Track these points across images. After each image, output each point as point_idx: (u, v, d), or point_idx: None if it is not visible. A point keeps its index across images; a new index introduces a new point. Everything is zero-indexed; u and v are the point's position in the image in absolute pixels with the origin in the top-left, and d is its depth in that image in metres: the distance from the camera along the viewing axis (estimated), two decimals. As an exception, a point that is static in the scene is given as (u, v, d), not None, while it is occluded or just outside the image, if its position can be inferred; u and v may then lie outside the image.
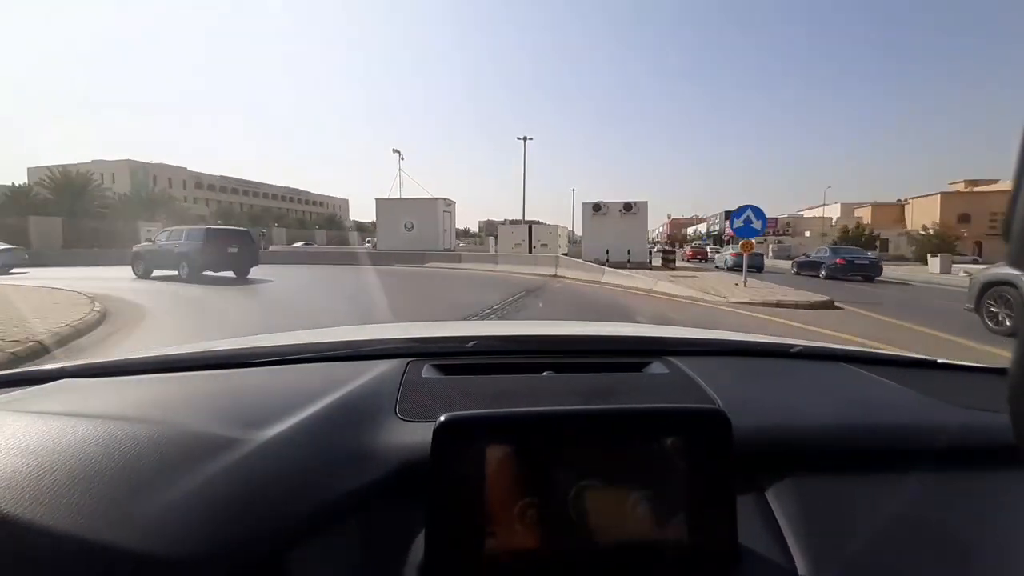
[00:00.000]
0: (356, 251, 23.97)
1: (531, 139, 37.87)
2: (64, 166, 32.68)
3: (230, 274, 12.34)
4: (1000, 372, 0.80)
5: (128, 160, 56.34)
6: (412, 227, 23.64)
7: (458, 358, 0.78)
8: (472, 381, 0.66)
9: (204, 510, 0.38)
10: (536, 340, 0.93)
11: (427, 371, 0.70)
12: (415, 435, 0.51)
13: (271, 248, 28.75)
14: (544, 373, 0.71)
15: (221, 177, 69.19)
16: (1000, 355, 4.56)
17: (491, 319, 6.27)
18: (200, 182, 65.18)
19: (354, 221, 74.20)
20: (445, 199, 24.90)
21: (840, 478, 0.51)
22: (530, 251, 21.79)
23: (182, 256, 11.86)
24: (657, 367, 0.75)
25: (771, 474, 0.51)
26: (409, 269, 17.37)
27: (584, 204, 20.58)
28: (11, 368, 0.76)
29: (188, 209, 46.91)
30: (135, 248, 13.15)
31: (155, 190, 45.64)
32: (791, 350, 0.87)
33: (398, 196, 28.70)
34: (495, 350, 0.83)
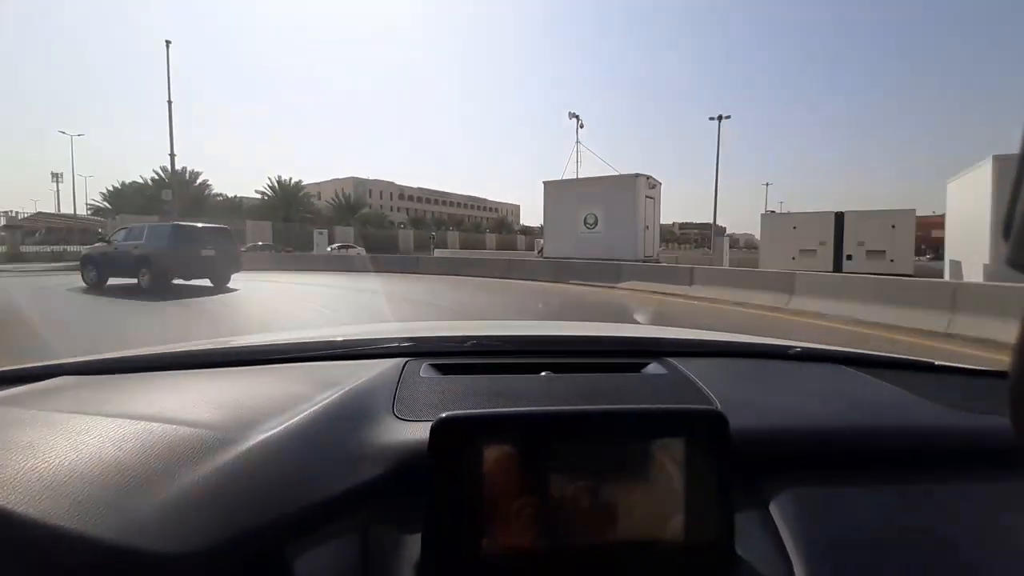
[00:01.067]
0: (510, 258, 16.69)
1: (728, 118, 25.11)
2: (291, 180, 36.97)
3: (206, 283, 9.75)
4: (999, 375, 0.78)
5: (353, 177, 66.33)
6: (595, 223, 15.03)
7: (456, 358, 0.77)
8: (470, 381, 0.65)
9: (202, 507, 0.38)
10: (534, 340, 0.91)
11: (425, 370, 0.69)
12: (412, 434, 0.50)
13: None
14: (543, 373, 0.70)
15: (419, 188, 76.73)
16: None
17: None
18: (403, 194, 73.29)
19: (522, 225, 73.84)
20: (648, 177, 15.08)
21: (838, 480, 0.51)
22: (837, 265, 10.93)
23: (142, 260, 9.21)
24: (655, 368, 0.73)
25: (769, 475, 0.51)
26: (595, 292, 9.58)
27: (997, 158, 8.73)
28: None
29: (384, 216, 50.94)
30: (84, 251, 10.31)
31: (368, 200, 51.05)
32: (789, 351, 0.86)
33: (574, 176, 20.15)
34: (493, 350, 0.81)
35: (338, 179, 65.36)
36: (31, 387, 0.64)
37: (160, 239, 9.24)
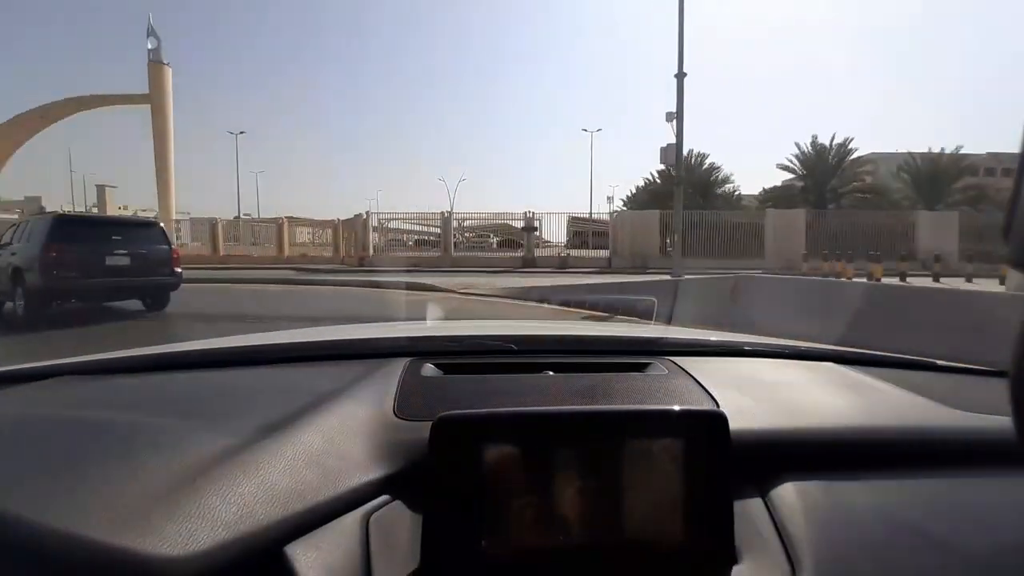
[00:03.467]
0: None
1: None
2: (832, 142, 25.05)
3: (138, 306, 6.37)
4: (999, 374, 0.78)
5: (873, 153, 46.33)
6: None
7: (458, 357, 0.77)
8: (472, 380, 0.65)
9: (204, 508, 0.38)
10: (537, 340, 0.90)
11: (427, 370, 0.69)
12: (413, 434, 0.50)
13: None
14: (545, 373, 0.69)
15: (988, 156, 45.21)
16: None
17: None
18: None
19: None
20: None
21: (839, 480, 0.51)
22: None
23: (16, 274, 5.81)
24: (657, 368, 0.73)
25: (770, 475, 0.51)
26: None
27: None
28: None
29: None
30: None
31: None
32: (790, 351, 0.85)
33: None
34: (496, 349, 0.80)
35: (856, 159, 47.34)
36: (28, 387, 0.64)
37: (36, 241, 5.59)
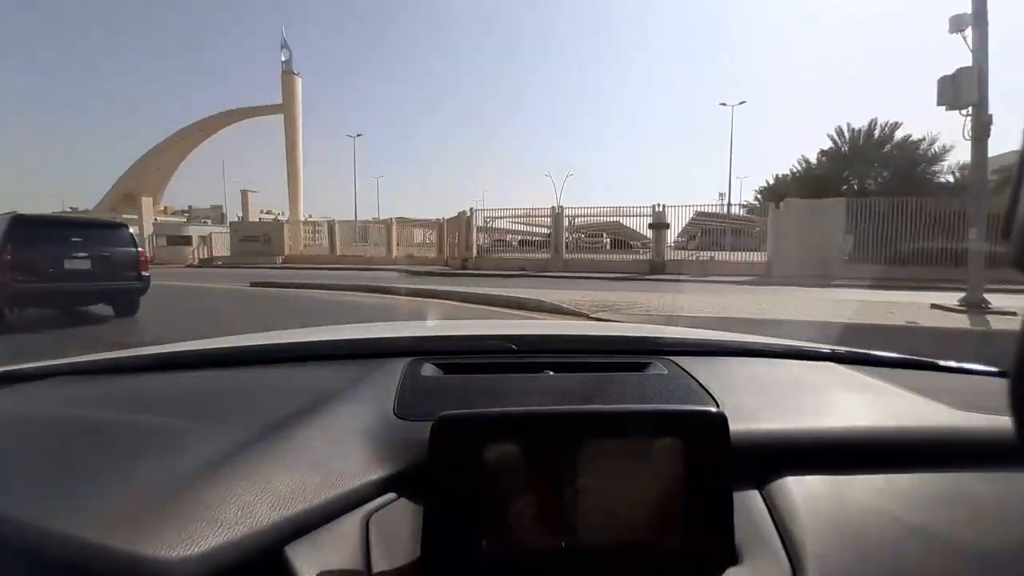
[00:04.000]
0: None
1: None
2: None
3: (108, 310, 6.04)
4: (1000, 374, 0.79)
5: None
6: None
7: (459, 357, 0.78)
8: (472, 380, 0.66)
9: (201, 508, 0.38)
10: (537, 340, 0.91)
11: (427, 369, 0.70)
12: (413, 434, 0.50)
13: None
14: (545, 372, 0.70)
15: None
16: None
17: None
18: None
19: None
20: None
21: (840, 480, 0.51)
22: None
23: None
24: (658, 367, 0.73)
25: (770, 476, 0.51)
26: None
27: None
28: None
29: None
30: None
31: None
32: (792, 351, 0.87)
33: None
34: (496, 349, 0.81)
35: None
36: (29, 387, 0.65)
37: None
